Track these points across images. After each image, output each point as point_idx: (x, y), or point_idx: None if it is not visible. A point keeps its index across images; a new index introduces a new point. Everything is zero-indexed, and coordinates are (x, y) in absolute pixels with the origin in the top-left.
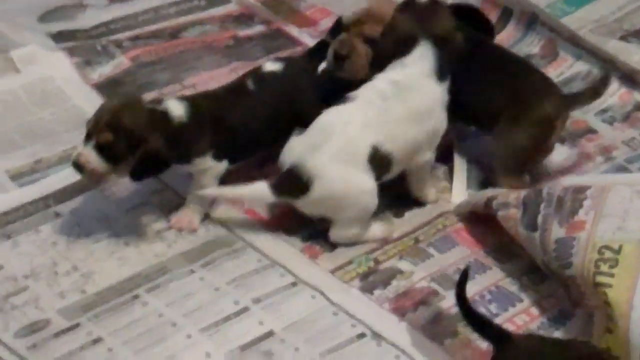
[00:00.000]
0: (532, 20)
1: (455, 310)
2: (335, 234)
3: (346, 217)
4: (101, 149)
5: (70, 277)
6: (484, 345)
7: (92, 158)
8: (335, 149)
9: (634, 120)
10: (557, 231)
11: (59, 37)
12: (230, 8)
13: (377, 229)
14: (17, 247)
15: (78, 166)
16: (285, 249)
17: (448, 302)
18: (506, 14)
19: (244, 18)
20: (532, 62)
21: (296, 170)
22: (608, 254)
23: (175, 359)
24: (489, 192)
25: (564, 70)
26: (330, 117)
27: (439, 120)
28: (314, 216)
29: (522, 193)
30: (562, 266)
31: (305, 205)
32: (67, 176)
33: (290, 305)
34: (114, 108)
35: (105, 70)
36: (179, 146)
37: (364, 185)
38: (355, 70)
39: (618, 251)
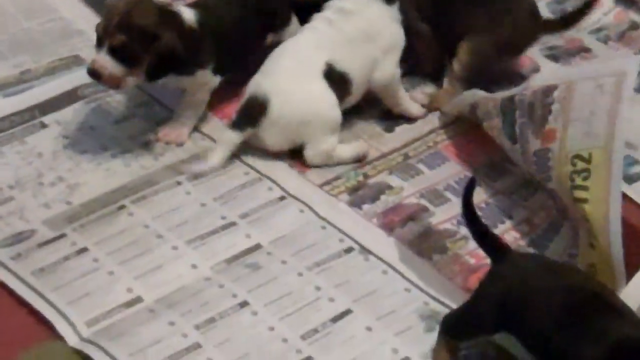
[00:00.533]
0: None
1: (444, 226)
2: (308, 154)
3: (313, 134)
4: (115, 52)
5: (55, 188)
6: (472, 261)
7: (108, 63)
8: (288, 68)
9: (629, 39)
10: (534, 143)
11: None
12: None
13: (350, 148)
14: (2, 158)
15: (94, 73)
16: (273, 163)
17: (437, 218)
18: None
19: None
20: None
21: (252, 98)
22: (580, 164)
23: (160, 270)
24: (469, 96)
25: None
26: (282, 46)
27: (394, 36)
28: (283, 146)
29: (499, 101)
30: (544, 179)
31: (269, 131)
32: (54, 87)
33: (277, 219)
34: (123, 8)
35: None
36: (188, 53)
37: (321, 95)
38: None
39: (589, 160)
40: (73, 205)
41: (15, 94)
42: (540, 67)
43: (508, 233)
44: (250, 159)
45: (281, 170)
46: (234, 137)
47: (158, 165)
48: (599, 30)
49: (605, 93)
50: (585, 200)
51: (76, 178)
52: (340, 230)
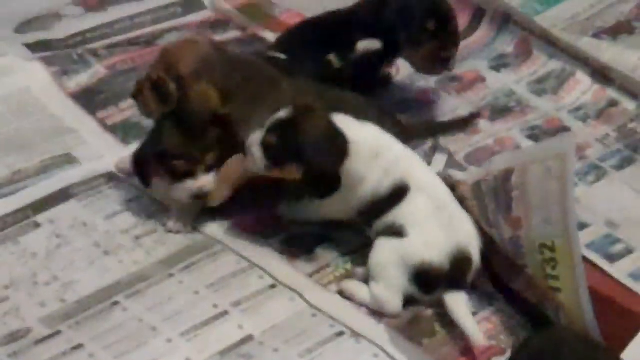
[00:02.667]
0: (506, 20)
1: (432, 312)
2: None
3: None
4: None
5: (50, 286)
6: (462, 343)
7: (208, 179)
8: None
9: (608, 117)
10: (506, 230)
11: (35, 47)
12: (206, 15)
13: None
14: None
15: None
16: (263, 251)
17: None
18: (479, 14)
19: (220, 24)
20: (506, 61)
21: (462, 254)
22: (547, 254)
23: None
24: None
25: (538, 68)
26: (434, 194)
27: None
28: None
29: (469, 185)
30: (523, 265)
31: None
32: (46, 186)
33: (269, 307)
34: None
35: (82, 79)
36: None
37: None
38: (143, 111)
39: (553, 249)
40: (68, 303)
41: (7, 195)
42: (521, 147)
43: (496, 314)
44: (240, 248)
45: (271, 258)
46: (464, 299)
47: (150, 260)
48: (578, 109)
49: (552, 178)
50: (558, 290)
51: (70, 276)
52: (331, 317)
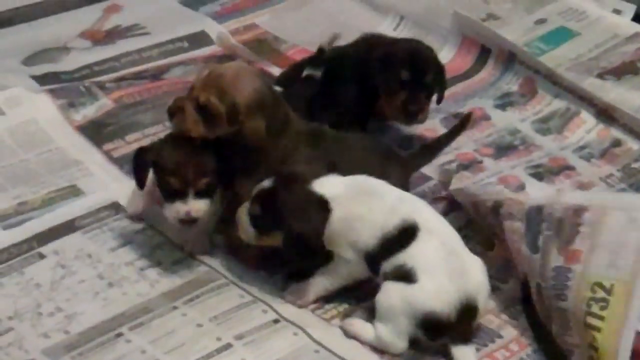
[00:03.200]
0: (511, 59)
1: (434, 348)
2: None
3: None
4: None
5: (54, 318)
6: None
7: (198, 206)
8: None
9: (611, 156)
10: (556, 258)
11: (43, 80)
12: (213, 49)
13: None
14: (1, 289)
15: (192, 220)
16: (267, 286)
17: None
18: (485, 53)
19: (227, 59)
20: (511, 99)
21: (469, 304)
22: (600, 293)
23: None
24: (494, 193)
25: (543, 107)
26: (445, 239)
27: None
28: None
29: (526, 206)
30: (558, 297)
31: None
32: (51, 218)
33: (272, 342)
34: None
35: (88, 111)
36: None
37: None
38: (180, 129)
39: (609, 291)
40: (71, 335)
41: (13, 226)
42: (525, 185)
43: (499, 352)
44: (244, 282)
45: (275, 294)
46: (472, 354)
47: (154, 292)
48: (582, 148)
49: (637, 229)
50: (598, 329)
51: (74, 308)
52: (333, 354)
